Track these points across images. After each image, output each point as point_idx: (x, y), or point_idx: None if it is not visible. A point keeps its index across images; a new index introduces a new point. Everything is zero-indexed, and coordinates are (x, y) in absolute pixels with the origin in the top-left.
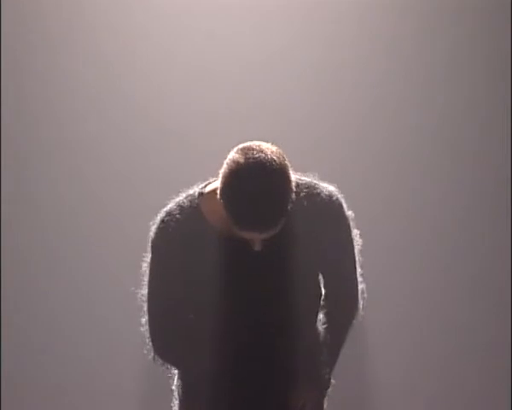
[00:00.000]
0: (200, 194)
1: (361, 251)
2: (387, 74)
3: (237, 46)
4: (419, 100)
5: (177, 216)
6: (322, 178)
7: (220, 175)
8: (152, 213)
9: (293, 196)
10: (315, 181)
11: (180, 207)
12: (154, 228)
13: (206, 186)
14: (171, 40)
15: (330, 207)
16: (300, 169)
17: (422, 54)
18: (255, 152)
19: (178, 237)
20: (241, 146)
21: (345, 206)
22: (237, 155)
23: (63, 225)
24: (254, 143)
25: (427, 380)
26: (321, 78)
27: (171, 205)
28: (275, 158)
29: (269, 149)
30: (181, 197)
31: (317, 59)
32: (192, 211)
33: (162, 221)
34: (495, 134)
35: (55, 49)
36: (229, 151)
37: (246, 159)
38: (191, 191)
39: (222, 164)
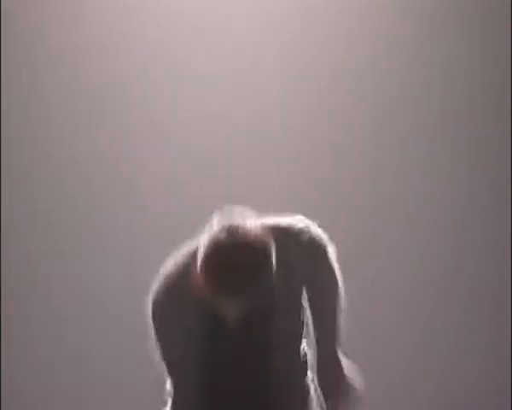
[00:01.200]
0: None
1: (363, 252)
2: (387, 74)
3: (237, 47)
4: (419, 100)
5: (171, 286)
6: (322, 178)
7: (200, 249)
8: (152, 216)
9: (272, 270)
10: (296, 224)
11: (176, 275)
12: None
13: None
14: (174, 45)
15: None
16: (301, 169)
17: (422, 54)
18: (236, 231)
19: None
20: (223, 224)
21: (328, 248)
22: (219, 233)
23: (64, 226)
24: (237, 222)
25: (427, 380)
26: (320, 78)
27: (165, 275)
28: (256, 238)
29: (251, 229)
30: (176, 262)
31: (316, 59)
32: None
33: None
34: (495, 134)
35: (56, 51)
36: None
37: (227, 237)
38: (186, 256)
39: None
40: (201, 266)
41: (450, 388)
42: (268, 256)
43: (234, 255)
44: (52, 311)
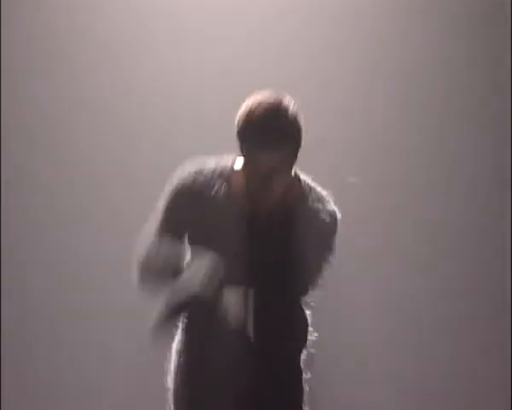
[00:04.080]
0: (232, 168)
1: (362, 251)
2: (387, 75)
3: (238, 45)
4: (418, 100)
5: (206, 175)
6: (321, 179)
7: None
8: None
9: (302, 129)
10: (324, 193)
11: (212, 171)
12: (180, 177)
13: (234, 161)
14: (174, 43)
15: (328, 225)
16: (302, 168)
17: (422, 54)
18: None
19: (199, 195)
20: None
21: (337, 228)
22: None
23: (63, 225)
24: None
25: (426, 380)
26: (320, 77)
27: (202, 166)
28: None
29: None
30: (212, 164)
31: (316, 58)
32: (221, 180)
33: (191, 173)
34: (495, 135)
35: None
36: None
37: (261, 97)
38: (223, 162)
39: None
40: (237, 124)
41: (450, 388)
42: (299, 124)
43: (267, 109)
44: (47, 307)
